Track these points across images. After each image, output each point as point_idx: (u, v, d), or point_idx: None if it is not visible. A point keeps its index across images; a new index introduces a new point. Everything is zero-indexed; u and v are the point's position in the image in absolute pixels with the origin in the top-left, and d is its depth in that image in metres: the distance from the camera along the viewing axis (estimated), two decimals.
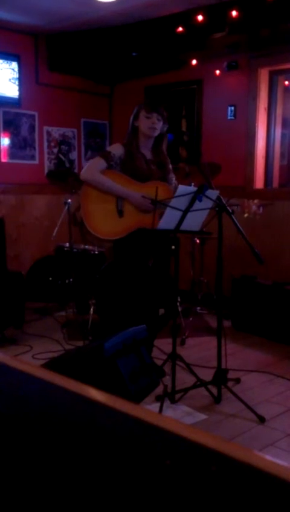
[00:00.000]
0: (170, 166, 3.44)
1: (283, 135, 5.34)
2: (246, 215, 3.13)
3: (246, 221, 3.15)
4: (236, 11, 4.28)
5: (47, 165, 5.73)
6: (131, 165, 3.26)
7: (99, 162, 3.25)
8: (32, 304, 4.89)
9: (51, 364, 2.51)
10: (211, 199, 2.90)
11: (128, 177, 3.24)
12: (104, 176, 3.23)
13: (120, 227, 3.24)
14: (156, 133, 3.29)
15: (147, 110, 3.24)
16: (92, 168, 3.26)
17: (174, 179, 3.44)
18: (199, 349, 4.03)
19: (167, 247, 3.49)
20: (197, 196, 2.83)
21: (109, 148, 3.39)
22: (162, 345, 3.83)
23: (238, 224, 2.95)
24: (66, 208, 4.41)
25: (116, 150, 3.29)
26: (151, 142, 3.35)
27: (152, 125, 3.24)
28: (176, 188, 3.30)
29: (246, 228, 3.03)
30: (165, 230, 2.97)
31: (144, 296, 3.32)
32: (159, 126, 3.27)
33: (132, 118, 3.31)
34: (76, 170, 5.88)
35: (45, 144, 5.71)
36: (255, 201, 3.18)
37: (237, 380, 3.40)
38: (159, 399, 2.93)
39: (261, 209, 3.15)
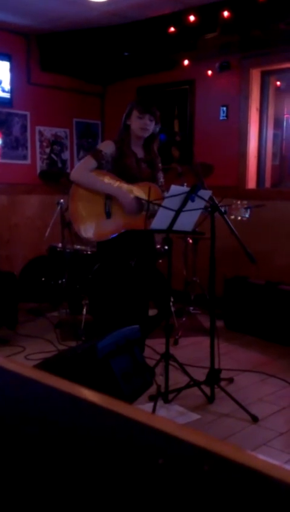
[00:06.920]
0: (160, 165, 3.43)
1: (274, 135, 5.36)
2: (232, 217, 3.13)
3: (239, 222, 3.15)
4: (228, 11, 4.29)
5: (39, 165, 5.72)
6: (121, 163, 3.25)
7: (89, 162, 3.23)
8: (25, 305, 4.88)
9: (44, 365, 2.51)
10: (203, 199, 2.90)
11: (117, 177, 3.23)
12: (94, 175, 3.22)
13: (107, 228, 3.23)
14: (147, 134, 3.28)
15: (139, 111, 3.23)
16: (81, 169, 3.25)
17: (162, 177, 3.43)
18: (192, 349, 4.04)
19: (149, 246, 3.47)
20: (189, 196, 2.83)
21: (100, 147, 3.37)
22: (155, 345, 3.83)
23: (231, 225, 2.96)
24: (59, 208, 4.41)
25: (108, 148, 3.27)
26: (142, 140, 3.35)
27: (144, 126, 3.24)
28: (162, 187, 3.31)
29: (239, 228, 3.03)
30: (153, 230, 2.97)
31: (129, 295, 3.31)
32: (151, 127, 3.27)
33: (124, 116, 3.31)
34: (68, 170, 5.87)
35: (37, 144, 5.69)
36: (244, 202, 3.17)
37: (230, 380, 3.40)
38: (153, 399, 2.93)
39: (248, 211, 3.14)
